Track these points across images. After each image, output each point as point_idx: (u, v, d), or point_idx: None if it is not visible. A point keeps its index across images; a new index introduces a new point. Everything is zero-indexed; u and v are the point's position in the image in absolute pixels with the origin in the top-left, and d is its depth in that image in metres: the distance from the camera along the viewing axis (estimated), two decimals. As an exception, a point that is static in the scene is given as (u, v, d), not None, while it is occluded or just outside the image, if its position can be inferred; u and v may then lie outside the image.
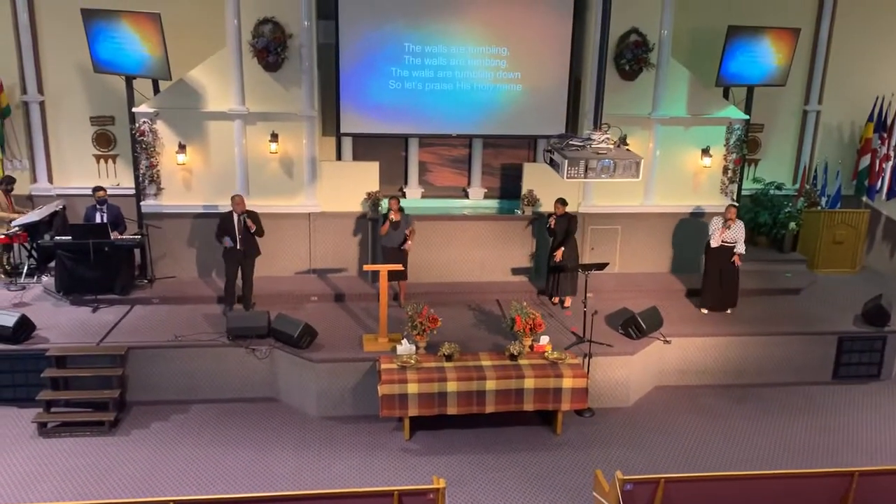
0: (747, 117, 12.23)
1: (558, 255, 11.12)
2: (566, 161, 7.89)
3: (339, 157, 12.36)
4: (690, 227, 12.34)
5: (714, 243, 11.11)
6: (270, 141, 11.34)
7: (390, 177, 12.41)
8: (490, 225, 12.02)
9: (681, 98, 11.96)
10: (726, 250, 11.10)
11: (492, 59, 11.70)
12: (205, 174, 11.49)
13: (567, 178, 7.98)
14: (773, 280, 12.48)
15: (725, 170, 12.32)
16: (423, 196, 12.70)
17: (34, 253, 11.77)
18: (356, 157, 12.38)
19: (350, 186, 11.79)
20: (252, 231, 10.53)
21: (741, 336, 10.74)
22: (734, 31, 11.99)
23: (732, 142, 12.17)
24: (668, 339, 10.51)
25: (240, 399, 9.93)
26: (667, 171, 12.19)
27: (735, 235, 11.08)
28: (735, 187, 12.48)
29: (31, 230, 11.53)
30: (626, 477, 6.71)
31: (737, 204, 11.65)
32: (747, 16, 12.59)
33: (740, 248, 11.10)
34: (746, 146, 12.47)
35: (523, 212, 12.07)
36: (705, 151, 12.09)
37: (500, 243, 12.00)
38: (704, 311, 11.38)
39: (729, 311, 11.34)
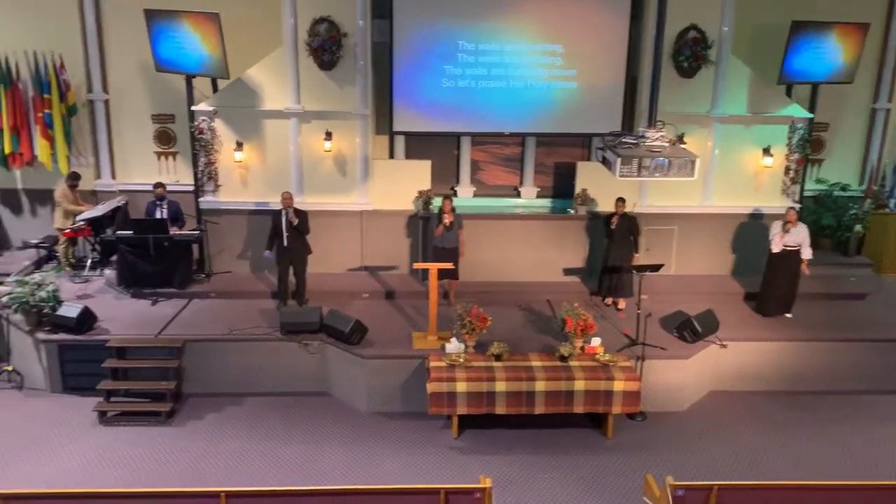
0: (811, 116, 11.86)
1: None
2: (619, 159, 7.76)
3: (391, 156, 12.42)
4: (750, 228, 12.02)
5: (775, 248, 10.79)
6: (325, 139, 11.47)
7: (442, 175, 12.42)
8: (542, 224, 11.92)
9: (741, 96, 11.66)
10: (789, 254, 10.77)
11: (546, 57, 11.61)
12: (261, 171, 11.70)
13: (620, 176, 7.86)
14: (837, 284, 12.05)
15: (787, 170, 11.98)
16: (475, 195, 12.67)
17: (97, 247, 12.16)
18: (408, 156, 12.43)
19: (402, 185, 11.85)
20: (294, 225, 10.65)
21: (802, 341, 10.41)
22: (799, 27, 11.62)
23: (795, 141, 11.81)
24: (724, 342, 10.25)
25: (292, 393, 10.07)
26: (726, 171, 11.91)
27: (798, 239, 10.73)
28: (797, 188, 12.11)
29: (95, 225, 11.91)
30: (677, 482, 6.56)
31: (796, 206, 11.26)
32: (813, 10, 12.16)
33: (807, 254, 10.75)
34: (810, 146, 12.09)
35: (576, 211, 11.93)
36: (766, 151, 11.77)
37: (553, 243, 11.90)
38: (764, 316, 11.05)
39: (788, 316, 11.00)
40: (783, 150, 11.88)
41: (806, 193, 12.54)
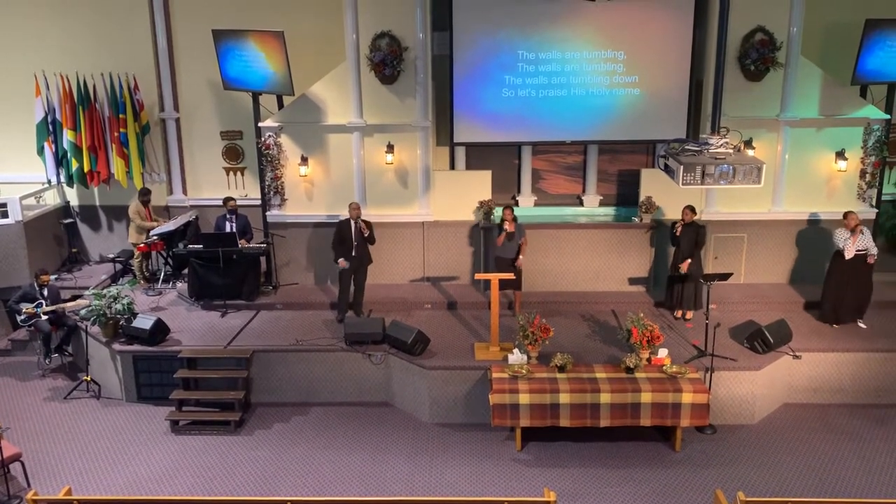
0: (888, 117, 11.41)
1: (684, 266, 10.66)
2: (681, 167, 7.61)
3: (452, 167, 12.48)
4: (823, 235, 11.59)
5: (848, 255, 10.40)
6: (386, 152, 11.61)
7: (503, 185, 12.41)
8: (606, 233, 11.77)
9: (812, 98, 11.30)
10: (858, 259, 10.45)
11: (608, 64, 11.49)
12: (325, 185, 11.91)
13: (682, 184, 7.70)
14: (919, 292, 11.52)
15: (863, 174, 11.55)
16: (537, 204, 12.61)
17: (170, 260, 12.57)
18: (469, 166, 12.46)
19: (463, 195, 11.89)
20: (366, 237, 10.78)
21: (881, 352, 9.96)
22: (873, 25, 11.19)
23: (871, 143, 11.40)
24: (797, 353, 9.90)
25: (356, 403, 10.18)
26: (797, 176, 11.56)
27: (867, 242, 10.45)
28: (874, 192, 11.65)
29: (167, 239, 12.32)
30: (749, 498, 6.36)
31: (855, 210, 10.79)
32: (888, 8, 11.69)
33: (874, 251, 10.48)
34: (887, 148, 11.60)
35: (641, 219, 11.73)
36: (840, 154, 11.38)
37: (617, 252, 11.73)
38: (835, 325, 10.65)
39: (862, 325, 10.57)
40: (858, 153, 11.47)
41: (884, 197, 12.04)
